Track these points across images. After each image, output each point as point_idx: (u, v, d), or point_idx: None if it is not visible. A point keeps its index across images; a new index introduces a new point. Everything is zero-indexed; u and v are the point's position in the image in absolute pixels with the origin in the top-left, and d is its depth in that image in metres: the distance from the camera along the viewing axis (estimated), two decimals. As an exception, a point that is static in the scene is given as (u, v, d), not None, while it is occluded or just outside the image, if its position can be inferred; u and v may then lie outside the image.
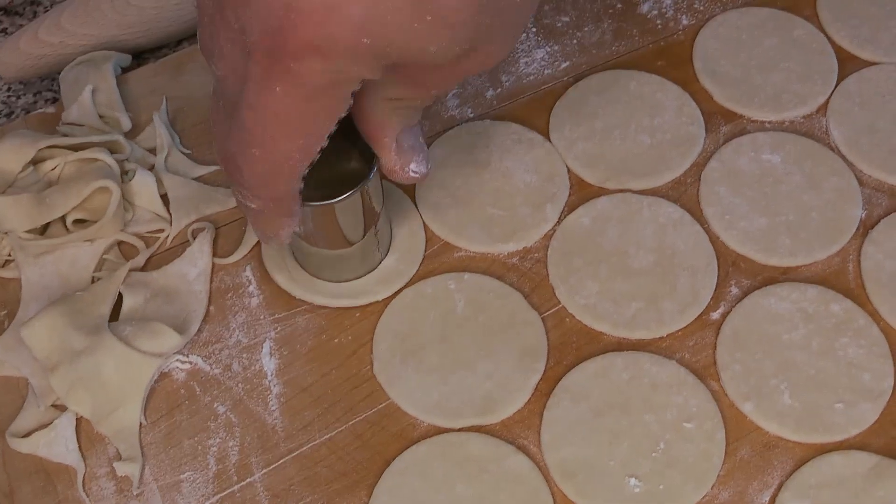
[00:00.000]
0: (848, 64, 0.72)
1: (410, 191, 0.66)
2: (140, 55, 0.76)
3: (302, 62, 0.43)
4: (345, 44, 0.42)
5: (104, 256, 0.64)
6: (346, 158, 0.56)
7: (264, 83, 0.44)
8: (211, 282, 0.64)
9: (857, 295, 0.62)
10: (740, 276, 0.63)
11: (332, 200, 0.55)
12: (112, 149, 0.66)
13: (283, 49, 0.43)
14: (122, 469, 0.57)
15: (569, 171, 0.67)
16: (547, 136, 0.69)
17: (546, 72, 0.72)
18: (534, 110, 0.70)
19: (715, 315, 0.62)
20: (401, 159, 0.54)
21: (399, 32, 0.43)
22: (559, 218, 0.65)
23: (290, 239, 0.56)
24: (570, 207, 0.66)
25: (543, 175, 0.67)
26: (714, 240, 0.64)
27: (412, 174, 0.55)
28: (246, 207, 0.53)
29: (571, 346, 0.61)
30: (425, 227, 0.65)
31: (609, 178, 0.67)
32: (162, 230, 0.66)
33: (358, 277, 0.63)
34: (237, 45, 0.45)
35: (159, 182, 0.66)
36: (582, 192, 0.67)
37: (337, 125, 0.48)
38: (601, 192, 0.66)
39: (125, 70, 0.73)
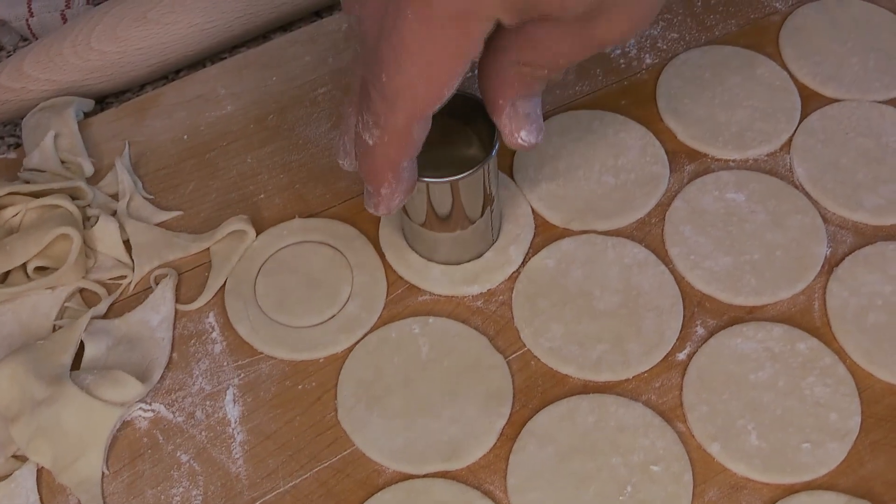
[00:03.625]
0: (811, 101, 0.72)
1: (370, 235, 0.66)
2: (103, 99, 0.76)
3: None
4: None
5: (66, 304, 0.64)
6: (466, 144, 0.56)
7: (399, 11, 0.46)
8: (174, 328, 0.63)
9: (822, 333, 0.62)
10: (706, 316, 0.63)
11: (456, 177, 0.57)
12: (74, 195, 0.66)
13: None
14: (83, 521, 0.57)
15: (533, 212, 0.67)
16: (511, 176, 0.68)
17: (510, 112, 0.72)
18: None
19: (681, 356, 0.62)
20: (512, 123, 0.55)
21: None
22: (523, 260, 0.65)
23: (396, 208, 0.56)
24: (534, 249, 0.66)
25: (507, 216, 0.66)
26: (679, 280, 0.64)
27: (521, 140, 0.55)
28: (361, 143, 0.53)
29: (537, 389, 0.61)
30: (388, 271, 0.65)
31: (574, 219, 0.67)
32: (124, 277, 0.65)
33: (472, 259, 0.64)
34: None
35: (121, 228, 0.66)
36: (546, 234, 0.66)
37: (466, 70, 0.49)
38: (565, 233, 0.66)
39: (87, 115, 0.73)
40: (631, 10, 0.48)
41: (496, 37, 0.51)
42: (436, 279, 0.64)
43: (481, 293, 0.64)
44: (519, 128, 0.55)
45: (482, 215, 0.62)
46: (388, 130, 0.52)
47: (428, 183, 0.57)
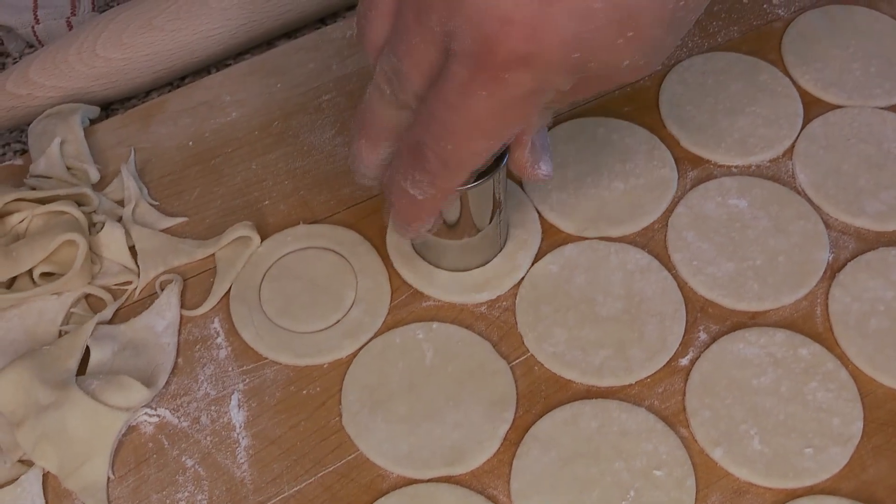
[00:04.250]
0: (813, 107, 0.72)
1: (374, 241, 0.67)
2: (109, 105, 0.76)
3: (511, 72, 0.45)
4: (553, 57, 0.45)
5: (71, 310, 0.64)
6: None
7: (470, 87, 0.46)
8: (179, 334, 0.63)
9: (825, 338, 0.63)
10: (708, 321, 0.63)
11: (467, 186, 0.57)
12: (80, 201, 0.66)
13: (495, 58, 0.45)
14: (89, 525, 0.57)
15: (542, 219, 0.67)
16: (521, 186, 0.69)
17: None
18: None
19: (684, 361, 0.62)
20: (532, 157, 0.55)
21: (603, 49, 0.45)
22: (530, 264, 0.66)
23: (428, 232, 0.58)
24: (539, 255, 0.66)
25: (515, 223, 0.67)
26: (682, 285, 0.64)
27: (542, 173, 0.56)
28: (406, 198, 0.54)
29: (540, 394, 0.61)
30: (392, 276, 0.65)
31: (587, 228, 0.67)
32: (129, 282, 0.65)
33: (480, 266, 0.65)
34: (435, 46, 0.47)
35: (127, 234, 0.66)
36: (550, 239, 0.67)
37: None
38: (569, 238, 0.66)
39: (93, 121, 0.73)
40: (659, 57, 0.49)
41: None
42: (443, 286, 0.65)
43: (486, 300, 0.64)
44: (538, 160, 0.55)
45: (490, 223, 0.62)
46: (442, 190, 0.53)
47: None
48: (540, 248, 0.66)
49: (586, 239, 0.66)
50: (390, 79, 0.51)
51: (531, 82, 0.46)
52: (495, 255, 0.65)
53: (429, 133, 0.50)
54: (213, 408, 0.61)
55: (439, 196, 0.54)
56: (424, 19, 0.46)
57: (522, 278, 0.65)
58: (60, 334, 0.63)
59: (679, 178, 0.69)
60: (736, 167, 0.70)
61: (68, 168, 0.69)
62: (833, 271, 0.65)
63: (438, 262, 0.65)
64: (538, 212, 0.68)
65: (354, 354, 0.62)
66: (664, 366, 0.62)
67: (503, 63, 0.45)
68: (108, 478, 0.58)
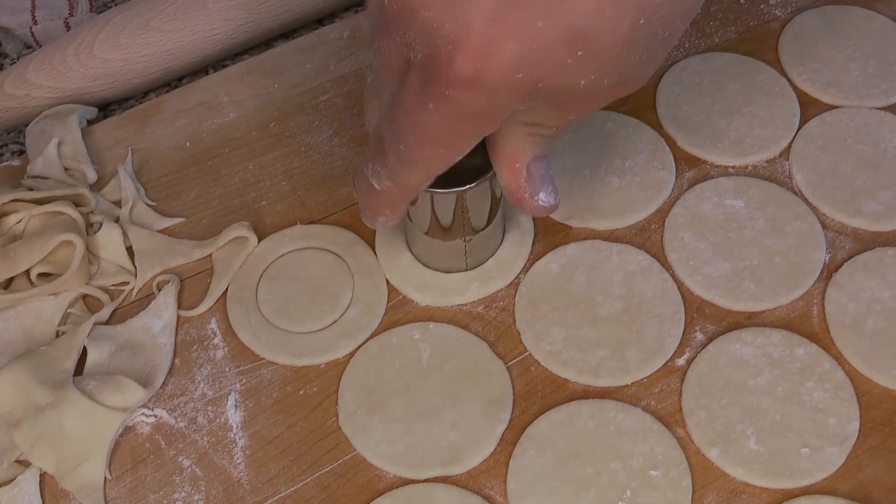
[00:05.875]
0: (810, 108, 0.72)
1: (371, 241, 0.67)
2: (106, 106, 0.76)
3: (456, 91, 0.45)
4: (498, 78, 0.44)
5: (69, 310, 0.64)
6: (471, 154, 0.56)
7: (421, 98, 0.47)
8: (176, 334, 0.64)
9: (821, 338, 0.63)
10: (705, 321, 0.63)
11: (463, 188, 0.57)
12: (77, 202, 0.66)
13: (440, 76, 0.45)
14: (86, 525, 0.57)
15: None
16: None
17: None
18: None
19: (680, 361, 0.62)
20: (531, 187, 0.55)
21: (552, 68, 0.44)
22: (524, 266, 0.66)
23: (392, 226, 0.58)
24: (538, 253, 0.66)
25: (511, 221, 0.67)
26: (678, 286, 0.64)
27: (542, 203, 0.56)
28: (367, 185, 0.55)
29: (537, 394, 0.61)
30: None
31: (573, 216, 0.67)
32: (127, 283, 0.65)
33: (474, 267, 0.65)
34: (399, 53, 0.48)
35: (124, 234, 0.66)
36: (549, 238, 0.67)
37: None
38: (567, 238, 0.67)
39: (91, 122, 0.73)
40: (642, 74, 0.48)
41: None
42: (434, 292, 0.65)
43: (482, 298, 0.65)
44: (537, 190, 0.55)
45: (487, 225, 0.62)
46: (398, 185, 0.53)
47: (433, 194, 0.58)
48: (536, 245, 0.67)
49: (582, 238, 0.66)
50: (373, 71, 0.52)
51: (478, 102, 0.46)
52: (491, 257, 0.65)
53: (388, 130, 0.51)
54: (209, 408, 0.61)
55: (397, 191, 0.54)
56: (391, 27, 0.47)
57: (518, 278, 0.65)
58: (58, 335, 0.63)
59: (676, 179, 0.69)
60: (732, 167, 0.70)
61: (66, 169, 0.69)
62: (829, 271, 0.65)
63: (434, 264, 0.65)
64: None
65: (351, 355, 0.63)
66: (661, 366, 0.62)
67: (449, 81, 0.45)
68: (105, 478, 0.58)
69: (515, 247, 0.66)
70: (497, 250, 0.66)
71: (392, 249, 0.66)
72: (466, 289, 0.64)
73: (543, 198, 0.55)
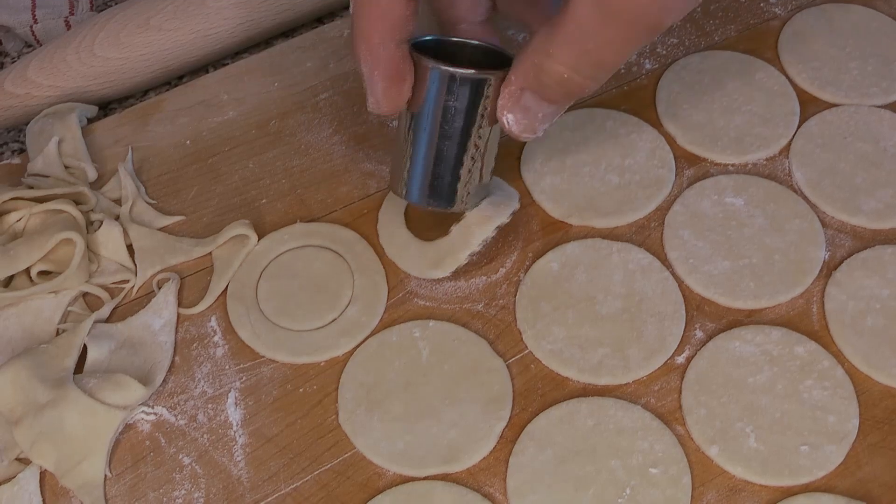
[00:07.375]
0: (809, 106, 0.72)
1: (371, 240, 0.67)
2: (107, 104, 0.76)
3: None
4: None
5: (69, 308, 0.64)
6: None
7: None
8: (176, 332, 0.64)
9: (820, 336, 0.63)
10: (705, 319, 0.63)
11: (457, 69, 0.56)
12: (77, 200, 0.66)
13: None
14: (86, 523, 0.57)
15: (534, 205, 0.68)
16: (518, 167, 0.69)
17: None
18: (503, 145, 0.69)
19: (680, 359, 0.62)
20: (509, 102, 0.55)
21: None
22: (524, 262, 0.66)
23: (388, 102, 0.57)
24: (538, 252, 0.66)
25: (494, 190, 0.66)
26: (678, 283, 0.64)
27: (505, 121, 0.56)
28: (362, 77, 0.57)
29: (537, 392, 0.61)
30: (389, 275, 0.65)
31: (572, 214, 0.67)
32: (127, 281, 0.65)
33: (448, 203, 0.61)
34: None
35: (124, 233, 0.66)
36: (549, 237, 0.67)
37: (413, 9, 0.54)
38: (566, 236, 0.67)
39: (91, 120, 0.73)
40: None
41: (536, 34, 0.52)
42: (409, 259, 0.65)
43: (482, 295, 0.65)
44: (511, 110, 0.55)
45: (466, 151, 0.59)
46: (369, 59, 0.55)
47: (429, 65, 0.56)
48: (540, 244, 0.67)
49: (582, 236, 0.66)
50: None
51: None
52: (462, 202, 0.61)
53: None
54: (209, 406, 0.61)
55: (376, 70, 0.56)
56: None
57: (518, 277, 0.65)
58: (58, 333, 0.63)
59: (675, 177, 0.69)
60: (732, 165, 0.70)
61: (66, 167, 0.69)
62: (829, 269, 0.65)
63: (407, 186, 0.61)
64: (529, 193, 0.68)
65: (351, 353, 0.63)
66: (661, 364, 0.62)
67: None
68: (105, 476, 0.58)
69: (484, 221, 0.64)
70: (468, 203, 0.62)
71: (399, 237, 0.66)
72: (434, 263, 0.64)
73: (510, 119, 0.55)
